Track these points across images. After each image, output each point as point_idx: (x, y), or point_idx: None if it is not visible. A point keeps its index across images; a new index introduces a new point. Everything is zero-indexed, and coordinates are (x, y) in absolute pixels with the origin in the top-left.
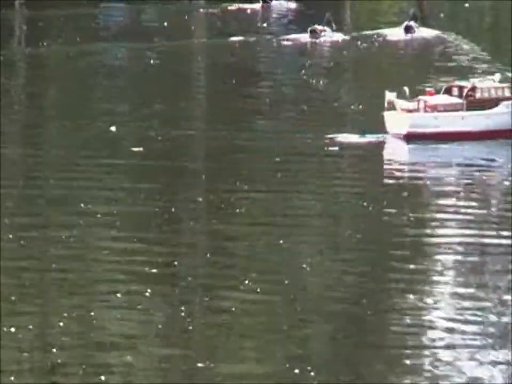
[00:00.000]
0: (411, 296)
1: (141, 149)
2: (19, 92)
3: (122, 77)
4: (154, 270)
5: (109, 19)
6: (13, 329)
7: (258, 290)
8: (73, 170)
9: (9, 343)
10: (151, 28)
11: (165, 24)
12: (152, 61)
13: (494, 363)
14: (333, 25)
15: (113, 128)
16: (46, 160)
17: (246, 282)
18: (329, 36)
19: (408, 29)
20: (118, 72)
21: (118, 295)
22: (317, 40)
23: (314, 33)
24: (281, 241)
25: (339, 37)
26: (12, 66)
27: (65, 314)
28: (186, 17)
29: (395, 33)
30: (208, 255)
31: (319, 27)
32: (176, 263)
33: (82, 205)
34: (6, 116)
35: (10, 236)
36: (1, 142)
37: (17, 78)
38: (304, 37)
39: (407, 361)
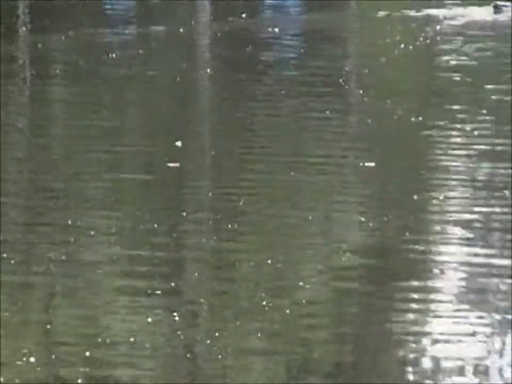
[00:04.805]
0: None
1: (177, 164)
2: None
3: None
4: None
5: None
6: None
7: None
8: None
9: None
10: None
11: None
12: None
13: None
14: None
15: (179, 143)
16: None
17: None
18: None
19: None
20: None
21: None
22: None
23: (497, 9)
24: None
25: None
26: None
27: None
28: None
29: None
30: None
31: (502, 2)
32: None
33: (90, 216)
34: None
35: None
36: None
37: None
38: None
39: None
